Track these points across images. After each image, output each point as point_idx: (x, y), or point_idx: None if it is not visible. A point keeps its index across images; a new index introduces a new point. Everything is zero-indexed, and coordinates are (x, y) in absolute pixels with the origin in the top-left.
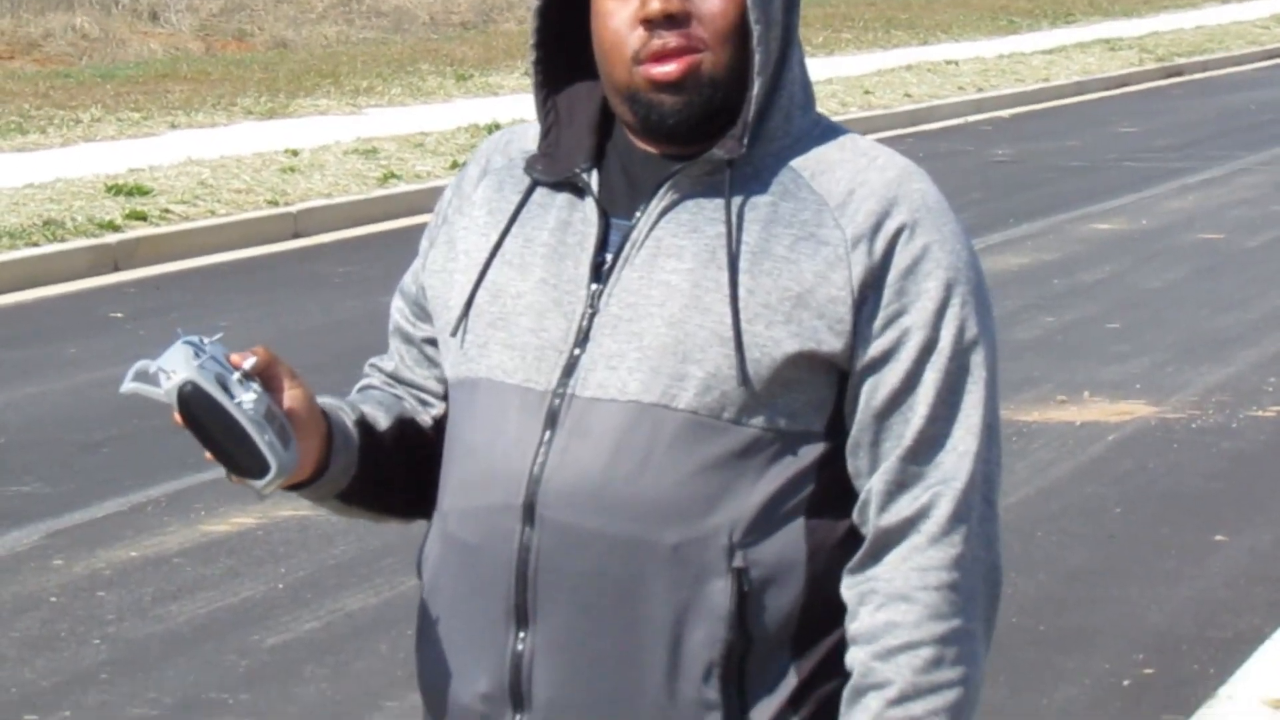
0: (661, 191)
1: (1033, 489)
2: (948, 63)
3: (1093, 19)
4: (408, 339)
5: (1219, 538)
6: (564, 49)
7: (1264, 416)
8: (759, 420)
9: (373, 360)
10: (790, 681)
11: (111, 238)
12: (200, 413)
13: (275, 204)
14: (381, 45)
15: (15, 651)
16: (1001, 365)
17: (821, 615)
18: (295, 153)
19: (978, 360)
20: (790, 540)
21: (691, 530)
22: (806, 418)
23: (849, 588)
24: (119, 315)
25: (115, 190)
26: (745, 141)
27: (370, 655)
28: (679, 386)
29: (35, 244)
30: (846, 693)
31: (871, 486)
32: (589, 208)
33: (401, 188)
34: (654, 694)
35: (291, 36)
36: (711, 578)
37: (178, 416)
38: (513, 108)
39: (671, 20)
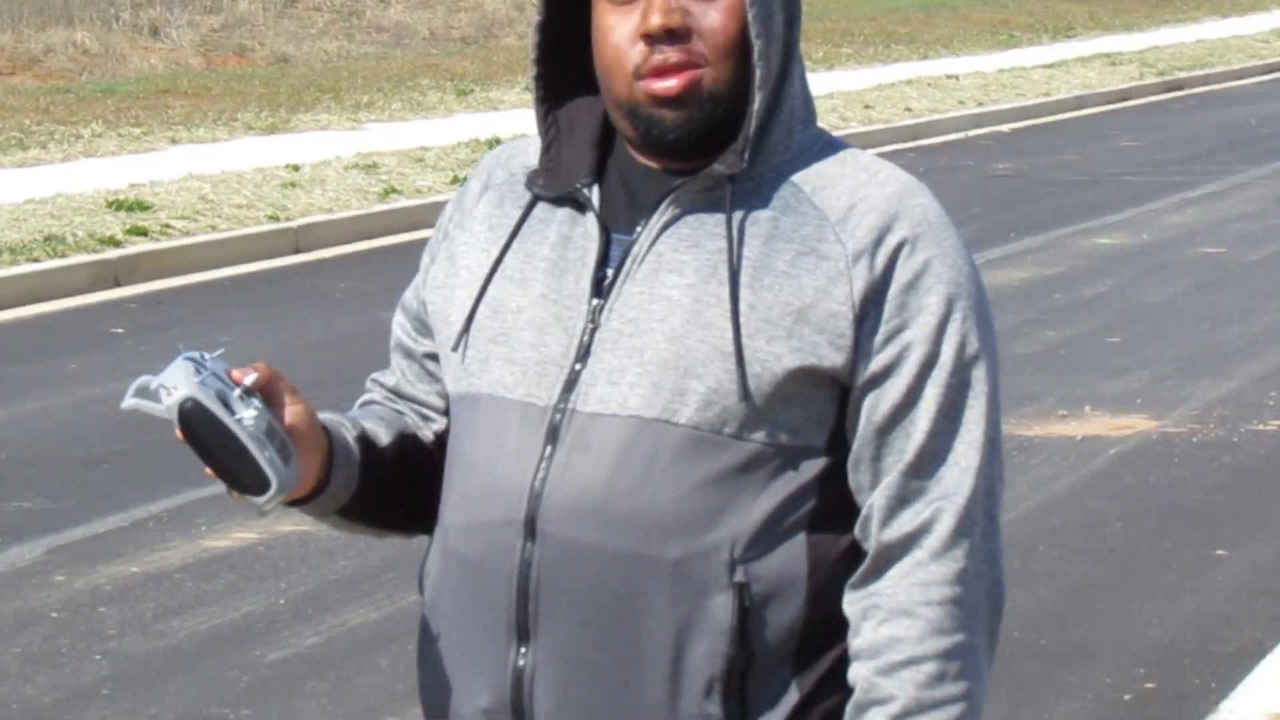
0: (662, 206)
1: (1034, 503)
2: (948, 77)
3: (1093, 33)
4: (409, 354)
5: (1220, 552)
6: (565, 64)
7: (1265, 431)
8: (760, 435)
9: (374, 375)
10: (792, 697)
11: (112, 253)
12: (201, 429)
13: (276, 219)
14: (382, 60)
15: (16, 667)
16: (1002, 379)
17: (823, 630)
18: (296, 168)
19: (979, 375)
20: (792, 555)
21: (693, 545)
22: (808, 433)
23: (851, 603)
24: (120, 331)
25: (116, 205)
26: (746, 156)
27: (371, 670)
28: (680, 402)
29: (36, 259)
30: (849, 708)
31: (873, 502)
32: (590, 223)
33: (402, 203)
34: (655, 709)
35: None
36: (713, 593)
37: (179, 433)
38: (513, 123)
39: (672, 35)
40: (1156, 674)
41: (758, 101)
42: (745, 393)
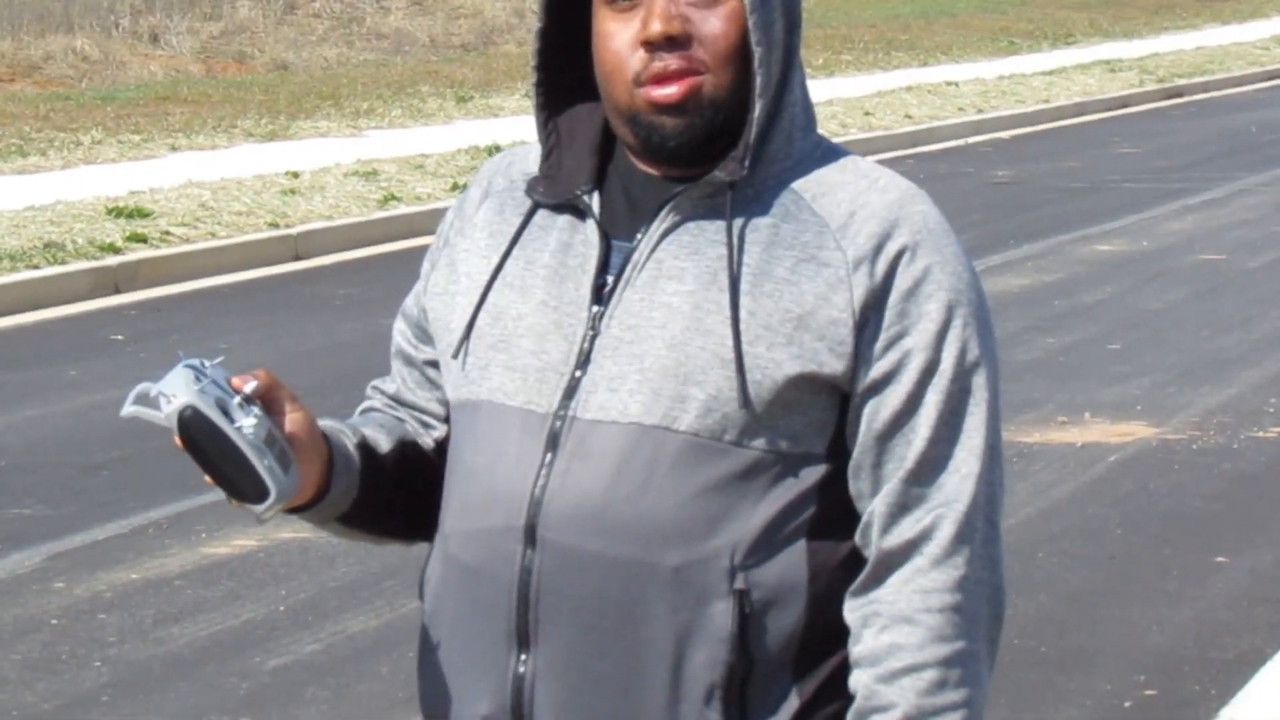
0: (663, 213)
1: (1034, 510)
2: (948, 84)
3: (1093, 40)
4: (409, 361)
5: (1220, 559)
6: (565, 70)
7: (1265, 437)
8: (760, 442)
9: (375, 382)
10: (792, 704)
11: (112, 260)
12: (200, 437)
13: (276, 226)
14: (382, 67)
15: (16, 674)
16: (1002, 386)
17: (823, 637)
18: (296, 175)
19: (979, 382)
20: (792, 562)
21: (693, 552)
22: (808, 440)
23: (851, 610)
24: (119, 337)
25: (116, 212)
26: (746, 164)
27: (371, 677)
28: (680, 408)
29: (36, 266)
30: (850, 716)
31: (874, 509)
32: (590, 230)
33: (402, 210)
34: (655, 716)
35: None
36: (713, 600)
37: (178, 440)
38: (513, 129)
39: (673, 42)
40: (1156, 681)
41: (758, 108)
42: (745, 400)
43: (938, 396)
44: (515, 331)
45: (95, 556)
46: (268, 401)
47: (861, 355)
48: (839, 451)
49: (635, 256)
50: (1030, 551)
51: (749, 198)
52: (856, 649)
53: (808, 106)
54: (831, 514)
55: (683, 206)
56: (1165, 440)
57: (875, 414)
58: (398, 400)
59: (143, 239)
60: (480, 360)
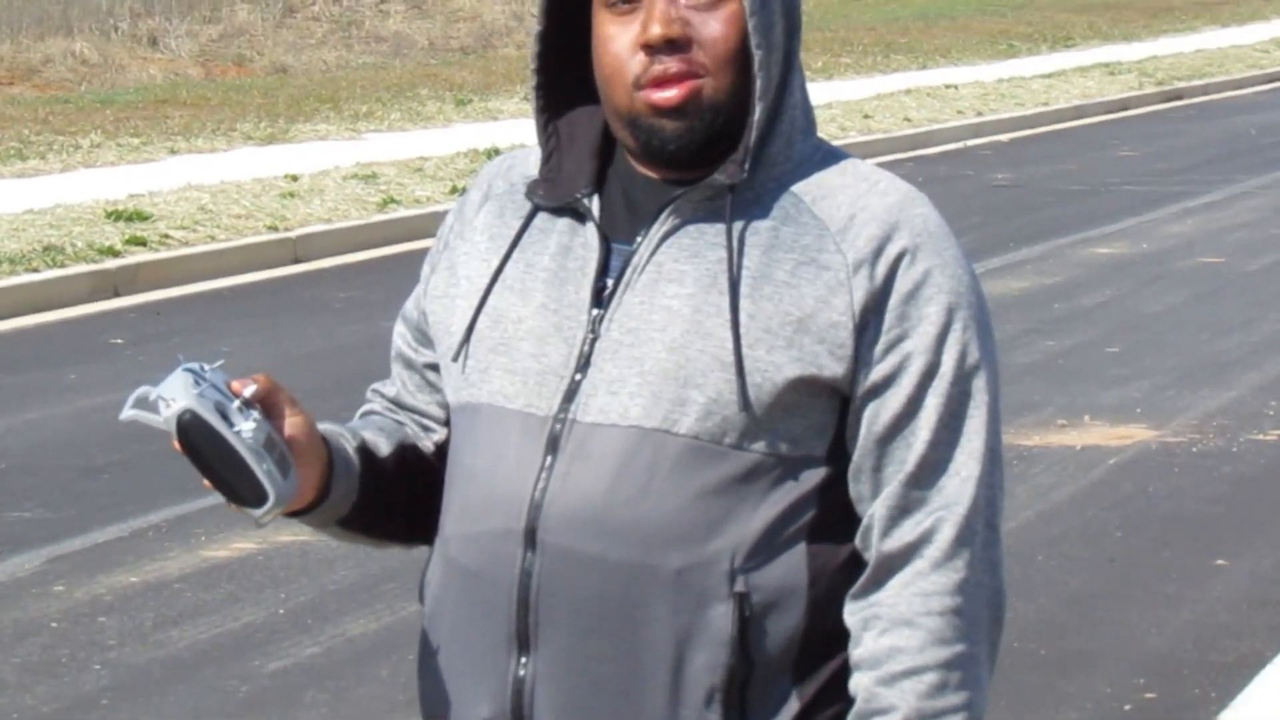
0: (663, 216)
1: (1033, 513)
2: (947, 87)
3: (1092, 43)
4: (409, 364)
5: (1220, 562)
6: (565, 73)
7: (1265, 440)
8: (760, 445)
9: (375, 385)
10: (792, 707)
11: (111, 263)
12: (199, 441)
13: (275, 229)
14: (381, 70)
15: (16, 677)
16: (1002, 389)
17: (823, 640)
18: (295, 178)
19: (979, 385)
20: (792, 565)
21: (693, 555)
22: (808, 443)
23: (852, 613)
24: (119, 341)
25: (115, 216)
26: (746, 166)
27: (371, 681)
28: (680, 411)
29: (35, 269)
30: (850, 718)
31: (874, 512)
32: (590, 233)
33: (401, 213)
34: (655, 719)
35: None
36: (713, 603)
37: (176, 444)
38: (512, 133)
39: (672, 45)
40: (1156, 684)
41: (758, 111)
42: (745, 403)
43: (938, 399)
44: (515, 334)
45: (95, 559)
46: (267, 405)
47: (861, 358)
48: (839, 454)
49: (635, 259)
50: (1030, 554)
51: (749, 201)
52: (857, 652)
53: (808, 109)
54: (831, 517)
55: (682, 209)
56: (1165, 443)
57: (875, 417)
58: (397, 403)
59: (142, 242)
60: (480, 363)
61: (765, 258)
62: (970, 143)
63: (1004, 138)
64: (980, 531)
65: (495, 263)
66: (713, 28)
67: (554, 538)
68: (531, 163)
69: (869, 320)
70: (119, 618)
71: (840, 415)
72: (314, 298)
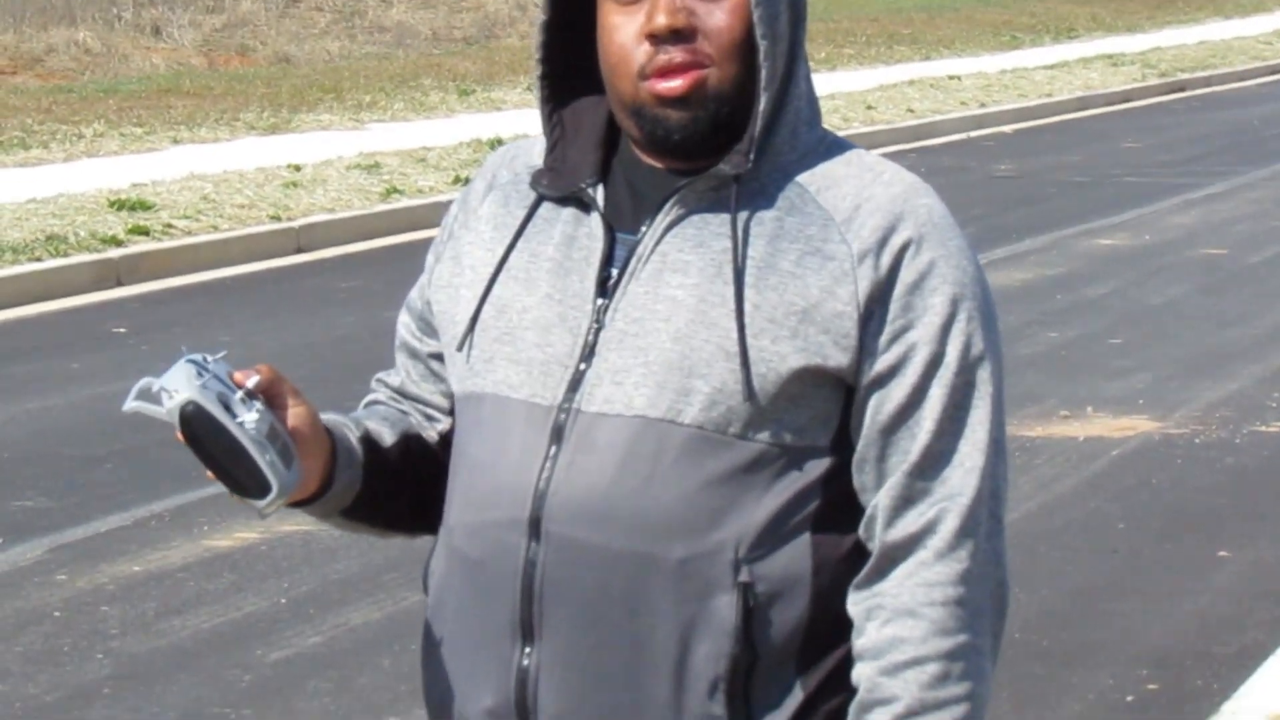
0: (667, 206)
1: (1036, 504)
2: (950, 78)
3: (1095, 34)
4: (414, 354)
5: (1222, 553)
6: (570, 63)
7: (1267, 432)
8: (765, 435)
9: (379, 375)
10: (796, 697)
11: (114, 253)
12: (202, 432)
13: (278, 219)
14: (384, 60)
15: (19, 666)
16: (1006, 380)
17: (827, 630)
18: (298, 168)
19: (984, 376)
20: (796, 555)
21: (697, 545)
22: (812, 433)
23: (855, 603)
24: (122, 330)
25: (118, 205)
26: (751, 157)
27: (373, 670)
28: (685, 402)
29: (38, 259)
30: (853, 708)
31: (878, 502)
32: (594, 223)
33: (404, 203)
34: (660, 709)
35: (294, 51)
36: (717, 593)
37: (180, 435)
38: (515, 123)
39: (678, 35)
40: (1159, 675)
41: (763, 102)
42: (750, 393)
43: (942, 390)
44: (520, 324)
45: (97, 549)
46: (270, 396)
47: (866, 348)
48: (843, 445)
49: (640, 249)
50: (1032, 546)
51: (754, 191)
52: (860, 642)
53: (812, 100)
54: (836, 507)
55: (687, 199)
56: (1167, 434)
57: (879, 407)
58: (402, 393)
59: (145, 231)
60: (485, 353)
61: (770, 248)
62: (973, 134)
63: (1007, 129)
64: (984, 522)
65: (500, 252)
66: (718, 18)
67: (558, 527)
68: (536, 152)
69: (874, 310)
70: (121, 607)
71: (845, 405)
72: (317, 288)
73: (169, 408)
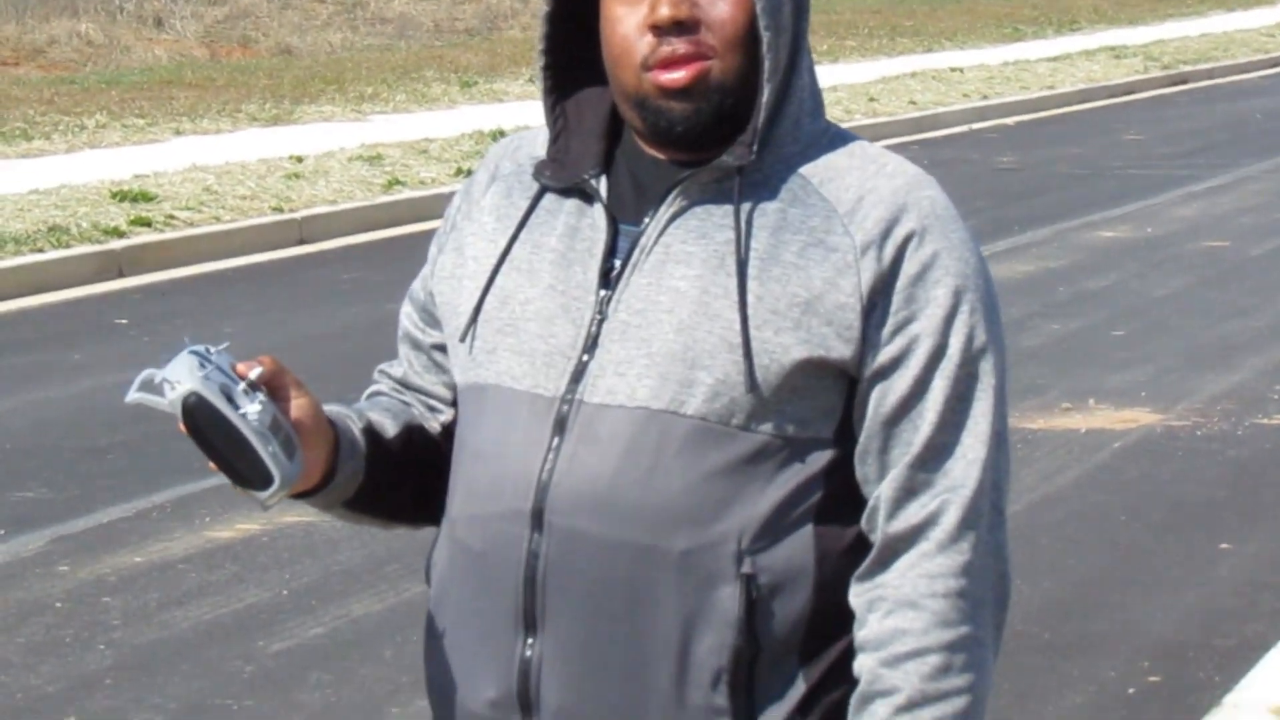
0: (670, 198)
1: (1038, 496)
2: (952, 70)
3: (1098, 27)
4: (416, 345)
5: (1224, 545)
6: (573, 54)
7: (1269, 424)
8: (767, 427)
9: (381, 366)
10: (799, 688)
11: (116, 244)
12: (204, 424)
13: (280, 210)
14: (386, 52)
15: (20, 657)
16: (1008, 372)
17: (829, 622)
18: (300, 159)
19: (986, 368)
20: (799, 547)
21: (700, 536)
22: (815, 424)
23: (857, 595)
24: (124, 321)
25: (120, 196)
26: (754, 148)
27: (375, 662)
28: (687, 393)
29: (40, 250)
30: (854, 700)
31: (880, 493)
32: (597, 214)
33: (406, 194)
34: (662, 700)
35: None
36: (720, 584)
37: (182, 427)
38: (517, 114)
39: (681, 27)
40: (1160, 667)
41: (766, 93)
42: (753, 384)
43: (945, 382)
44: (522, 315)
45: (99, 540)
46: (273, 387)
47: (869, 340)
48: (846, 436)
49: (643, 241)
50: (1034, 537)
51: (757, 182)
52: (861, 633)
53: (815, 92)
54: (838, 499)
55: (690, 191)
56: (1169, 427)
57: (882, 399)
58: (404, 384)
59: (147, 223)
60: (487, 344)
61: (773, 239)
62: (975, 126)
63: (1009, 121)
64: (986, 514)
65: (502, 243)
66: (721, 9)
67: (561, 519)
68: (539, 144)
69: (876, 302)
70: (123, 598)
71: (847, 397)
72: (319, 279)
73: (171, 399)
